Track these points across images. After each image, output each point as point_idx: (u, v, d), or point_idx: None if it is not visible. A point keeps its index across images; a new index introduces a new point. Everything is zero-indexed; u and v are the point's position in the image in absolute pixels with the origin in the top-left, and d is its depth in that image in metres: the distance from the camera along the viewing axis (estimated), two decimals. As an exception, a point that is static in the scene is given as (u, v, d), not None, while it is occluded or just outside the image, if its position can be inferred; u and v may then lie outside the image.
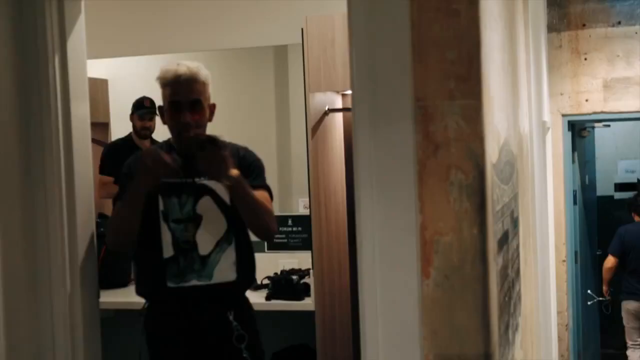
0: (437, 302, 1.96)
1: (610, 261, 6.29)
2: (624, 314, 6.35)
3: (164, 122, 2.87)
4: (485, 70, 1.97)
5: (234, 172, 2.68)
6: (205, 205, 2.76)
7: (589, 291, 6.40)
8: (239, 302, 2.86)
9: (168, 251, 2.74)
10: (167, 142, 2.91)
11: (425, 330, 1.97)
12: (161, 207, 2.74)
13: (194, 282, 2.74)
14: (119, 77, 5.12)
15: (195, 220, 2.75)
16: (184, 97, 2.74)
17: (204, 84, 2.79)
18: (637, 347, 6.38)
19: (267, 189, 2.88)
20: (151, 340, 2.83)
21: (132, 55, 4.84)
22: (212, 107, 2.85)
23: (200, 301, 2.76)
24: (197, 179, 2.76)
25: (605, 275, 6.37)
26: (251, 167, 2.88)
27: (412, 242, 1.97)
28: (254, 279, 2.98)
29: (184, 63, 2.79)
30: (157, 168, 2.63)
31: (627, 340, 6.41)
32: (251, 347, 2.79)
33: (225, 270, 2.76)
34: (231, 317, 2.76)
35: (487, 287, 1.95)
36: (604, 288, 6.39)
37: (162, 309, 2.82)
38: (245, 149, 2.93)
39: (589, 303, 6.40)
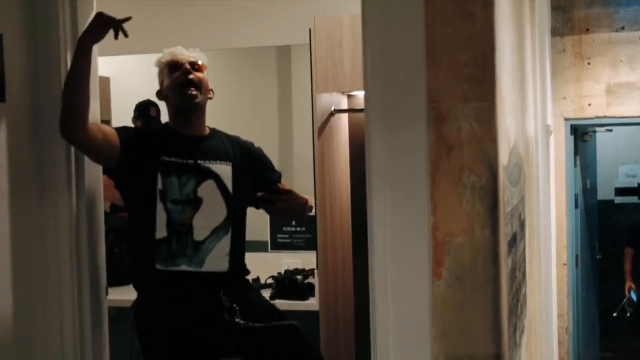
0: (448, 303, 1.97)
1: (628, 251, 6.87)
2: None
3: (162, 99, 2.88)
4: (498, 73, 1.98)
5: (309, 200, 2.90)
6: (207, 189, 2.72)
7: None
8: (230, 285, 2.79)
9: (161, 232, 2.66)
10: (164, 125, 2.91)
11: (436, 331, 1.98)
12: (160, 186, 2.67)
13: (184, 268, 2.66)
14: (121, 75, 5.11)
15: (195, 204, 2.69)
16: (183, 58, 2.82)
17: (202, 62, 2.87)
18: None
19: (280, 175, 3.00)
20: (142, 331, 2.77)
21: (134, 53, 4.83)
22: (212, 91, 2.89)
23: (188, 288, 2.69)
24: (200, 161, 2.74)
25: (626, 264, 6.83)
26: (265, 161, 2.97)
27: (424, 243, 1.97)
28: (246, 272, 2.90)
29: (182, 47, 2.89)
30: (99, 22, 2.50)
31: None
32: (252, 318, 2.73)
33: (217, 260, 2.71)
34: (221, 294, 2.71)
35: (498, 289, 1.95)
36: (627, 285, 6.74)
37: (149, 293, 2.75)
38: (246, 141, 2.96)
39: (614, 315, 6.66)
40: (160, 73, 2.87)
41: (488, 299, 1.95)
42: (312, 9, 4.04)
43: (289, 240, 4.39)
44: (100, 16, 2.47)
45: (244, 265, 2.88)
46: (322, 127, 3.76)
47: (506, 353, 2.00)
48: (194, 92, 2.77)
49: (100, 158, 2.61)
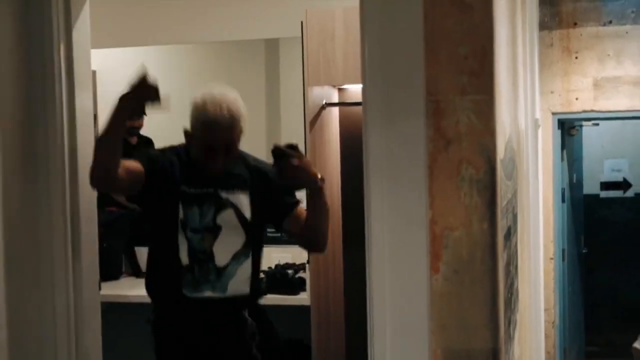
0: (446, 297, 1.97)
1: None
2: None
3: (188, 143, 2.73)
4: (496, 65, 1.97)
5: (319, 174, 2.68)
6: (226, 217, 2.70)
7: None
8: (250, 307, 2.80)
9: (183, 259, 2.67)
10: (182, 149, 2.75)
11: (434, 325, 1.97)
12: (181, 216, 2.66)
13: (208, 294, 2.68)
14: (107, 69, 5.06)
15: (214, 231, 2.69)
16: (220, 142, 2.63)
17: (241, 124, 2.66)
18: None
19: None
20: (160, 347, 2.77)
21: (120, 46, 4.79)
22: (242, 131, 2.70)
23: (210, 312, 2.71)
24: (219, 190, 2.71)
25: None
26: (282, 185, 2.77)
27: (421, 236, 1.97)
28: (263, 292, 2.95)
29: (223, 98, 2.62)
30: (143, 89, 2.45)
31: None
32: (263, 346, 2.76)
33: (240, 284, 2.71)
34: (246, 314, 2.73)
35: (495, 282, 1.95)
36: None
37: (174, 317, 2.75)
38: (263, 165, 2.82)
39: None
40: (193, 119, 2.66)
41: (486, 293, 1.95)
42: (302, 1, 4.02)
43: (279, 234, 4.35)
44: (144, 79, 2.43)
45: (261, 287, 2.91)
46: (313, 120, 3.74)
47: (502, 347, 2.00)
48: (221, 166, 2.67)
49: (125, 195, 2.81)
